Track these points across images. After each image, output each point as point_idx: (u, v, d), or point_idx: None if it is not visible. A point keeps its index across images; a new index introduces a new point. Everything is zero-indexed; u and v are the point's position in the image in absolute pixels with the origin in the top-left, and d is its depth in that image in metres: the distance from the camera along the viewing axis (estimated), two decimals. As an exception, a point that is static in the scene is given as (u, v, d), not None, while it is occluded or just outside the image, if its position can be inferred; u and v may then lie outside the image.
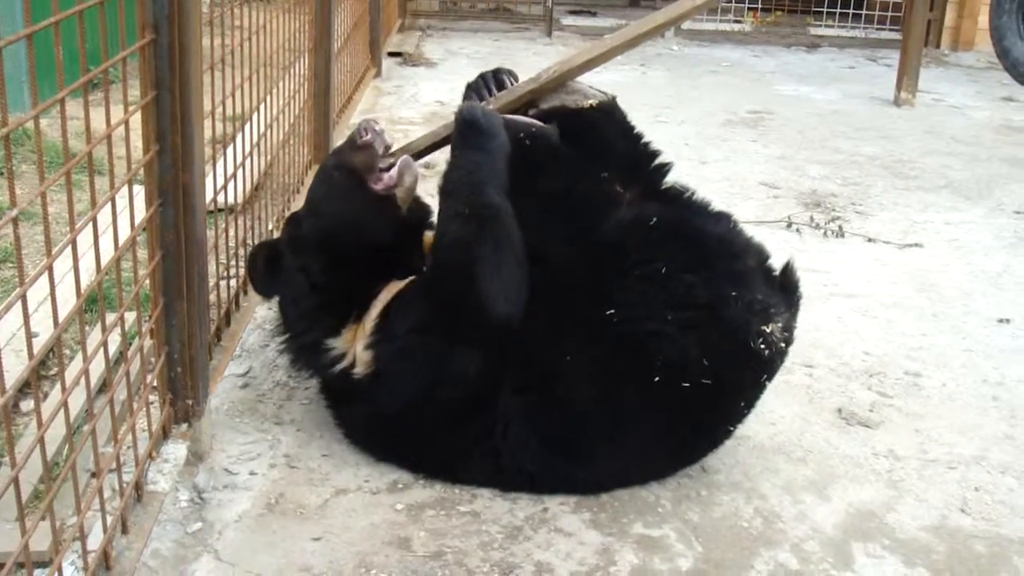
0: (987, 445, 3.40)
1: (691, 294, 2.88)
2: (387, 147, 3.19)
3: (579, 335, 2.93)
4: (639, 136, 3.35)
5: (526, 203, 3.03)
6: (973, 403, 3.68)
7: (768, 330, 2.89)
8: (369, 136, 3.15)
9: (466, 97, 3.41)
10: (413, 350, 2.97)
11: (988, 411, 3.63)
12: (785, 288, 3.08)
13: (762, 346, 2.89)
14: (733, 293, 2.89)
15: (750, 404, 3.08)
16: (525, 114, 3.32)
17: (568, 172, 3.12)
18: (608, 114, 3.35)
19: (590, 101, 3.34)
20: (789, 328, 3.01)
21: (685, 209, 3.15)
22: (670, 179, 3.26)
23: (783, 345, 2.97)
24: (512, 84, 3.42)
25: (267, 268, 3.25)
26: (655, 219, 2.99)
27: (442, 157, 3.31)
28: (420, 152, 3.42)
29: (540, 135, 3.17)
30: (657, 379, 2.85)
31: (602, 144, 3.23)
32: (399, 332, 2.99)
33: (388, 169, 3.15)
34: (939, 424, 3.52)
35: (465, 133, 3.10)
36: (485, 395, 2.93)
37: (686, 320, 2.86)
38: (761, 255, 3.10)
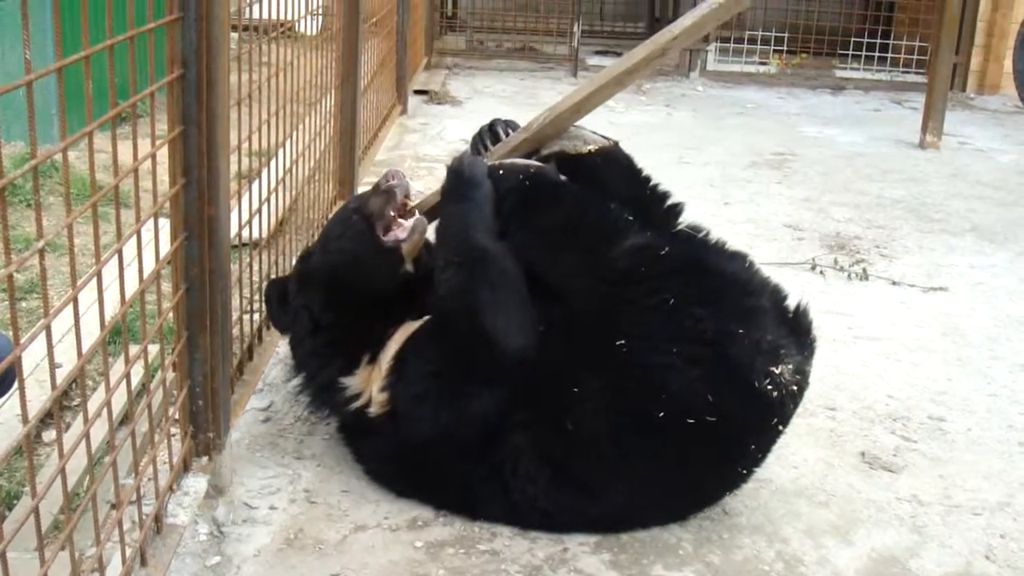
0: (1012, 491, 3.37)
1: (697, 328, 2.86)
2: (407, 197, 3.22)
3: (587, 366, 2.92)
4: (647, 179, 3.32)
5: (530, 239, 3.05)
6: (998, 448, 3.64)
7: (777, 371, 2.86)
8: (393, 182, 3.19)
9: (472, 151, 3.43)
10: (429, 395, 2.98)
11: (1013, 456, 3.59)
12: (798, 330, 3.05)
13: (769, 387, 2.85)
14: (740, 330, 2.86)
15: (763, 448, 3.04)
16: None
17: (571, 204, 3.11)
18: (610, 159, 3.31)
19: (590, 147, 3.30)
20: (802, 371, 2.97)
21: (699, 247, 3.13)
22: (683, 220, 3.23)
23: (794, 388, 2.93)
24: (510, 134, 3.41)
25: (280, 303, 3.33)
26: (666, 249, 2.98)
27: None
28: (434, 208, 3.38)
29: (538, 174, 3.17)
30: (662, 414, 2.84)
31: (606, 188, 3.21)
32: (414, 378, 3.01)
33: (403, 218, 3.18)
34: (964, 469, 3.49)
35: (451, 185, 3.15)
36: (498, 431, 2.93)
37: (692, 355, 2.84)
38: (777, 295, 3.08)
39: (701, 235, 3.17)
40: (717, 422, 2.83)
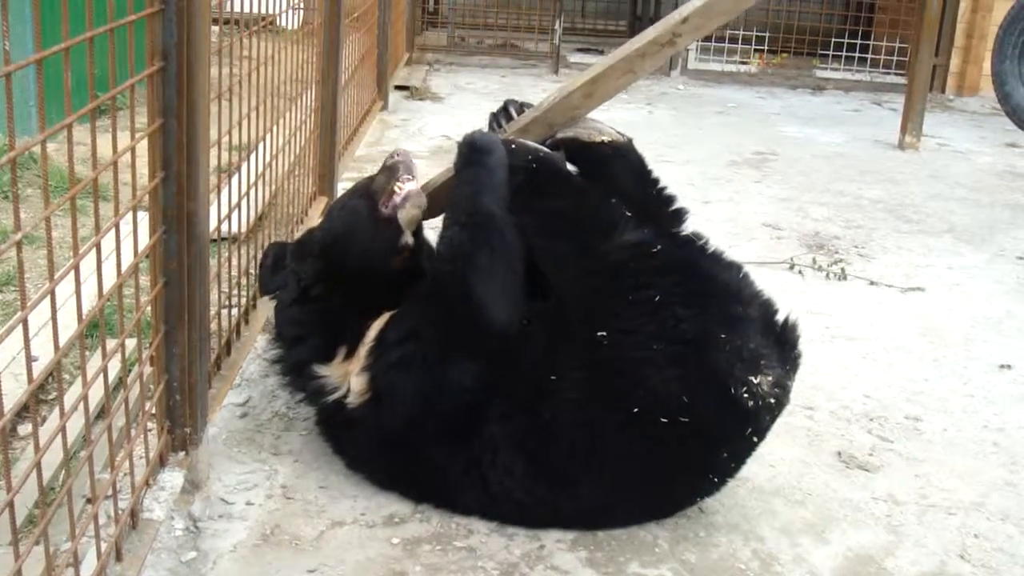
0: (987, 491, 3.39)
1: (679, 328, 2.85)
2: (410, 173, 3.28)
3: (567, 357, 2.93)
4: (655, 180, 3.32)
5: (529, 222, 3.06)
6: (973, 449, 3.66)
7: (756, 381, 2.85)
8: (397, 158, 3.28)
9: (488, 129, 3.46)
10: (410, 359, 2.99)
11: (988, 457, 3.61)
12: (784, 344, 3.03)
13: (745, 395, 2.83)
14: (723, 335, 2.85)
15: (736, 458, 3.02)
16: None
17: (573, 192, 3.13)
18: (622, 154, 3.32)
19: (604, 137, 3.32)
20: (782, 385, 2.94)
21: (694, 251, 3.11)
22: (685, 226, 3.22)
23: (772, 401, 2.90)
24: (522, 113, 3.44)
25: (273, 267, 3.39)
26: (659, 247, 2.98)
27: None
28: (443, 186, 3.40)
29: (546, 159, 3.19)
30: (636, 409, 2.84)
31: (613, 182, 3.23)
32: (394, 344, 3.02)
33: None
34: (939, 469, 3.51)
35: (464, 152, 3.19)
36: (478, 417, 2.94)
37: (671, 353, 2.84)
38: (767, 308, 3.05)
39: (700, 242, 3.16)
40: (689, 424, 2.83)
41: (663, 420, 2.83)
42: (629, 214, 3.05)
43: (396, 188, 3.22)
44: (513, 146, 3.17)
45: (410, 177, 3.26)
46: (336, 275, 3.21)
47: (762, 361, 2.89)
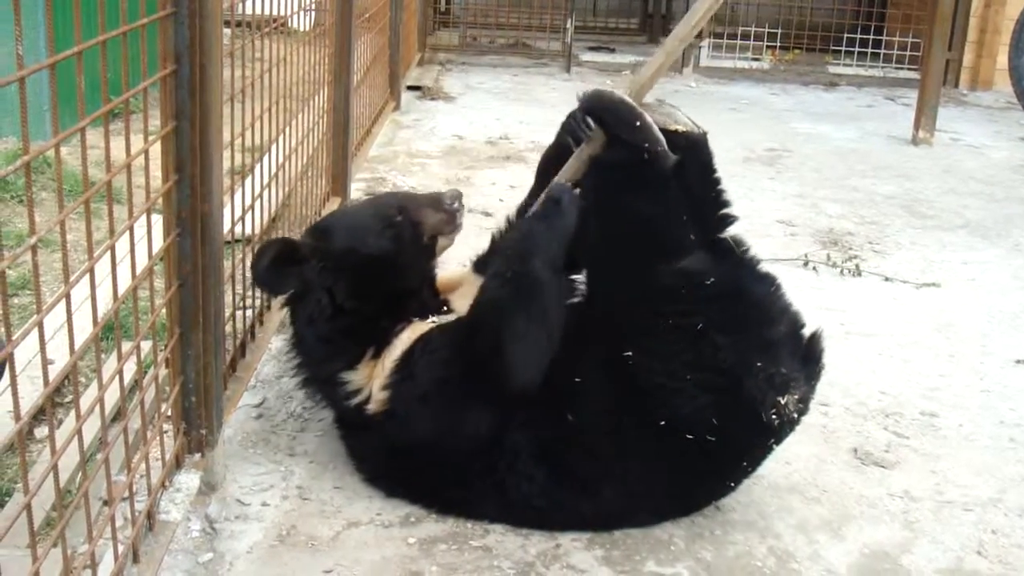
0: (1004, 487, 3.38)
1: (718, 357, 2.86)
2: (462, 218, 3.36)
3: (598, 368, 2.94)
4: (716, 180, 3.22)
5: (603, 206, 3.03)
6: (990, 444, 3.65)
7: (783, 401, 2.88)
8: (456, 206, 3.30)
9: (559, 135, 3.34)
10: (430, 399, 2.98)
11: (1005, 452, 3.60)
12: (809, 358, 3.04)
13: (774, 416, 2.88)
14: (759, 363, 2.87)
15: (754, 464, 3.07)
16: None
17: (664, 204, 3.03)
18: (694, 147, 3.20)
19: (679, 127, 3.19)
20: (805, 400, 2.98)
21: (737, 266, 3.08)
22: (730, 231, 3.16)
23: (795, 416, 2.95)
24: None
25: (273, 264, 3.08)
26: (712, 279, 2.94)
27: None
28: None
29: (662, 154, 3.04)
30: (663, 423, 2.87)
31: (681, 175, 3.11)
32: (420, 379, 3.00)
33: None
34: (955, 465, 3.49)
35: (544, 205, 3.11)
36: (495, 432, 2.95)
37: (706, 381, 2.85)
38: (795, 322, 3.06)
39: (741, 250, 3.12)
40: (716, 441, 2.87)
41: (689, 437, 2.86)
42: (693, 237, 3.02)
43: (447, 230, 3.30)
44: (638, 123, 3.03)
45: (460, 224, 3.35)
46: (367, 292, 3.14)
47: (791, 383, 2.92)
